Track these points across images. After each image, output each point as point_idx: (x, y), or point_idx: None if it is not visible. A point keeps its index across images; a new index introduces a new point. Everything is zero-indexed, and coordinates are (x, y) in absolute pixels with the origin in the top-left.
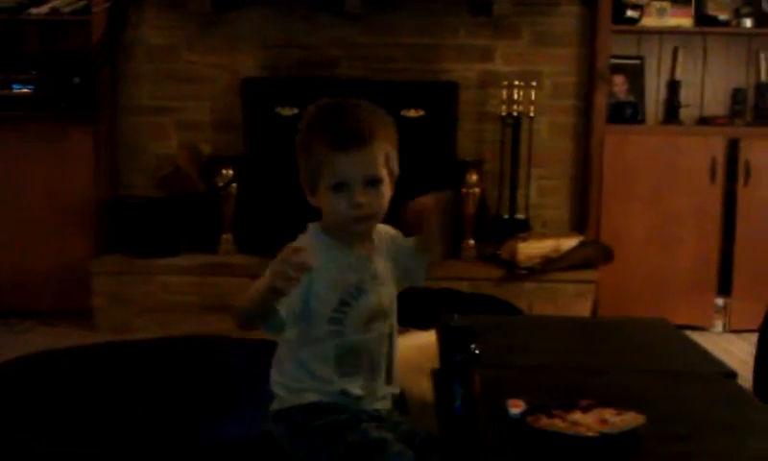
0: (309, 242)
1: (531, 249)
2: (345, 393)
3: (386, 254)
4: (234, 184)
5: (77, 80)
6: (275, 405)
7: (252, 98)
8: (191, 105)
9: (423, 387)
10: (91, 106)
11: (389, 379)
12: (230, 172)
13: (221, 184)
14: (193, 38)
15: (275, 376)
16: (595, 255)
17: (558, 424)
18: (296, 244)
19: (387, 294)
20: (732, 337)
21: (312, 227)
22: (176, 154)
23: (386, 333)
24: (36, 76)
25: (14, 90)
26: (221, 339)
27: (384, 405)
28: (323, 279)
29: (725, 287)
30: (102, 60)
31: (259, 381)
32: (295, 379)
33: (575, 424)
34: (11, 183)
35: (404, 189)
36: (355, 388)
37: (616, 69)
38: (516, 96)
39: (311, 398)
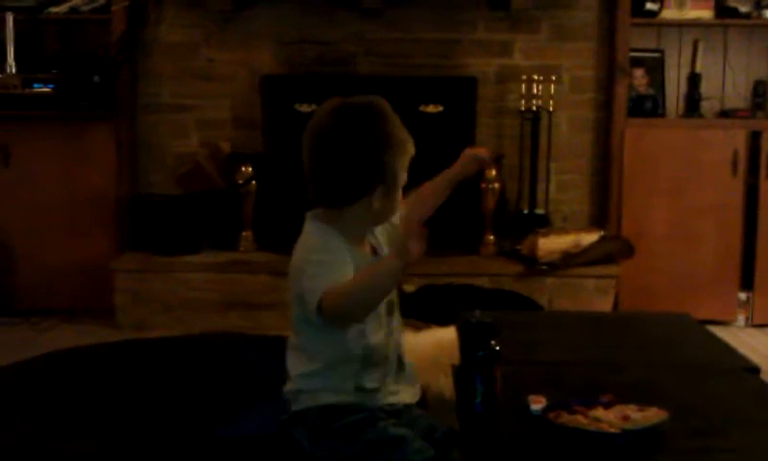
0: (336, 244)
1: (551, 244)
2: (360, 389)
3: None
4: (254, 182)
5: (97, 78)
6: (292, 406)
7: (270, 95)
8: (210, 102)
9: (443, 383)
10: (111, 104)
11: (401, 373)
12: (250, 169)
13: (240, 182)
14: (212, 36)
15: (293, 376)
16: (616, 250)
17: (579, 420)
18: (323, 245)
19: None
20: (755, 332)
21: (327, 230)
22: (195, 151)
23: (396, 327)
24: (56, 75)
25: (35, 89)
26: (241, 336)
27: (399, 399)
28: None
29: (747, 281)
30: (121, 59)
31: (278, 378)
32: (313, 381)
33: (597, 420)
34: (32, 182)
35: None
36: (371, 382)
37: (636, 63)
38: (535, 90)
39: (328, 399)
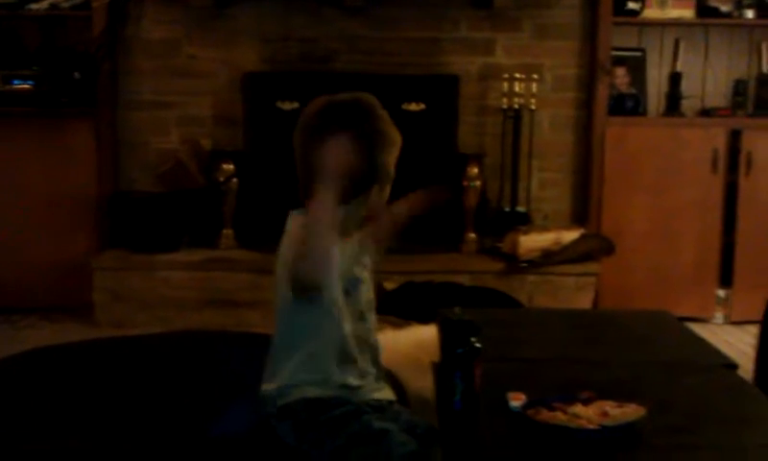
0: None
1: (532, 242)
2: (344, 385)
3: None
4: (235, 179)
5: (77, 75)
6: (279, 401)
7: (252, 92)
8: (192, 99)
9: (423, 381)
10: (92, 101)
11: (377, 368)
12: (231, 167)
13: (221, 179)
14: (193, 33)
15: (280, 371)
16: (596, 248)
17: (559, 416)
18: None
19: (371, 285)
20: (734, 329)
21: None
22: (176, 149)
23: (374, 324)
24: (37, 72)
25: (15, 86)
26: (221, 334)
27: (383, 395)
28: (344, 271)
29: (726, 279)
30: (102, 55)
31: (259, 376)
32: (296, 375)
33: (576, 416)
34: (11, 179)
35: (406, 183)
36: (353, 379)
37: (618, 61)
38: (517, 89)
39: (313, 392)
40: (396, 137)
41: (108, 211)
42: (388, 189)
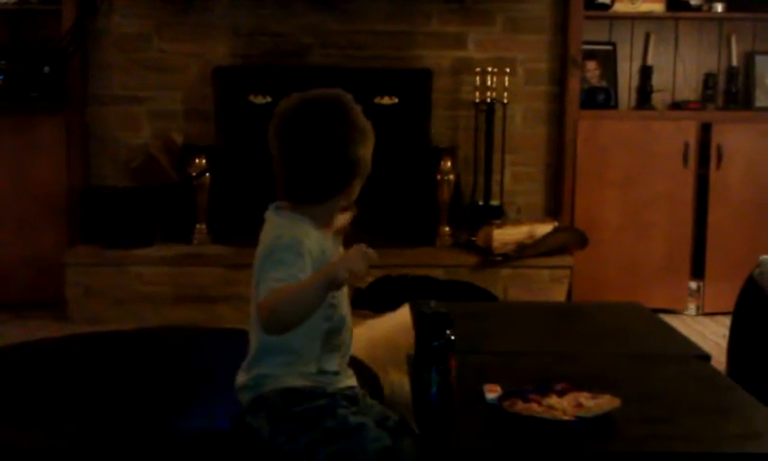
0: (303, 227)
1: (506, 235)
2: (322, 371)
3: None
4: (207, 174)
5: (47, 69)
6: (254, 393)
7: (224, 87)
8: (163, 94)
9: (396, 373)
10: (62, 95)
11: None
12: (203, 162)
13: (194, 174)
14: (164, 27)
15: (257, 362)
16: (570, 241)
17: (534, 408)
18: (292, 229)
19: None
20: (706, 320)
21: (301, 220)
22: (148, 143)
23: (349, 311)
24: (6, 66)
25: None
26: (195, 330)
27: (353, 381)
28: (324, 263)
29: (698, 270)
30: (72, 50)
31: (234, 371)
32: (278, 366)
33: (551, 408)
34: None
35: (380, 177)
36: (332, 365)
37: (589, 55)
38: (489, 83)
39: (289, 382)
40: (370, 130)
41: (79, 207)
42: (360, 185)
